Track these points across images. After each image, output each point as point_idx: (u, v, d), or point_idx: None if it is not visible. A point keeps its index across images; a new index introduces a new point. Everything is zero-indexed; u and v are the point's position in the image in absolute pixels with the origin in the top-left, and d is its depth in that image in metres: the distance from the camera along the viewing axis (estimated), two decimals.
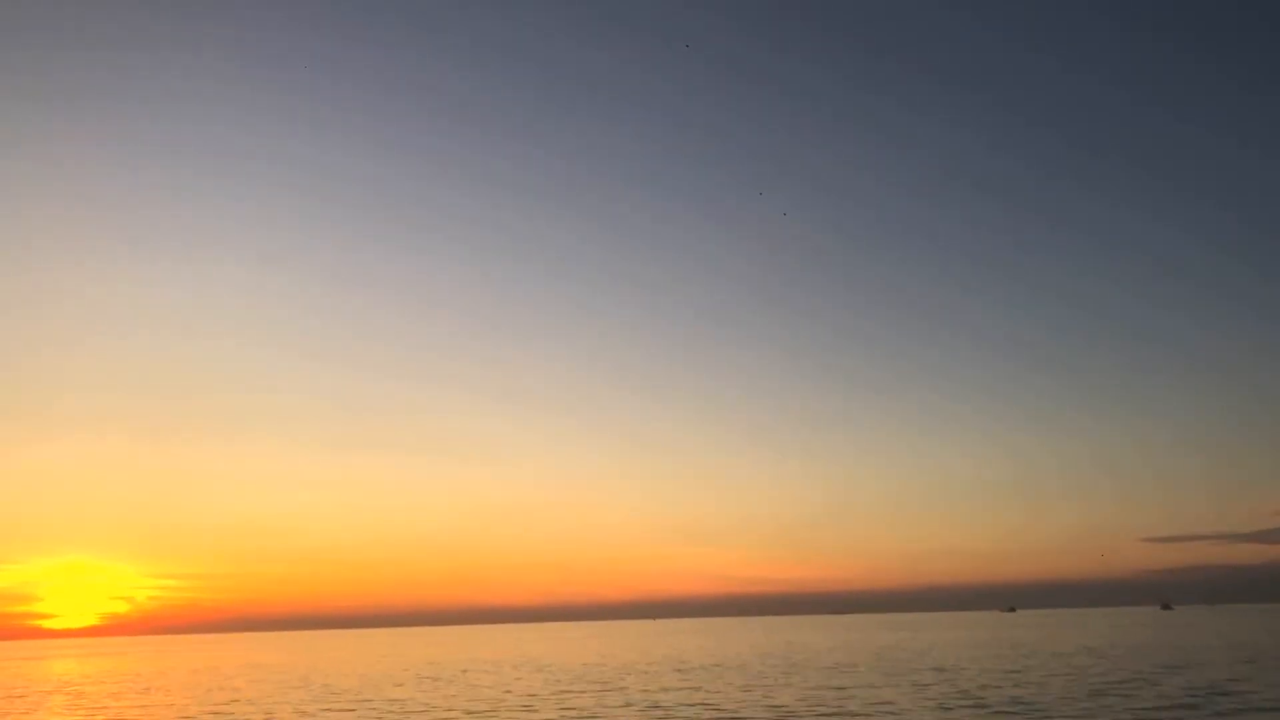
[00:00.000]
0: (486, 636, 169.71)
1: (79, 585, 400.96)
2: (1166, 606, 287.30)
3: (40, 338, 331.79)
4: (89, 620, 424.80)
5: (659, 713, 28.01)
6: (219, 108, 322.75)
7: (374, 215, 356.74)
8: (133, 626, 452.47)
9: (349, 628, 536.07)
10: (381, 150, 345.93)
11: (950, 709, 27.16)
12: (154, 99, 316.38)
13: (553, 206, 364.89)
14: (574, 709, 29.74)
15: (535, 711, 29.43)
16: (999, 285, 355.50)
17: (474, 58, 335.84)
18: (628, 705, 30.51)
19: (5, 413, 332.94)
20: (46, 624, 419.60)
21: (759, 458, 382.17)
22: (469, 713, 29.70)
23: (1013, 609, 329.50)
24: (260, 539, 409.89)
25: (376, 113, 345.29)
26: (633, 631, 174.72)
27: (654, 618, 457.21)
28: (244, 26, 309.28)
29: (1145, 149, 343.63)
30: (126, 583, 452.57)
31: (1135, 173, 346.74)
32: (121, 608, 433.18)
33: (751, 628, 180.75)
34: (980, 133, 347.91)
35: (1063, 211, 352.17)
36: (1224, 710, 25.45)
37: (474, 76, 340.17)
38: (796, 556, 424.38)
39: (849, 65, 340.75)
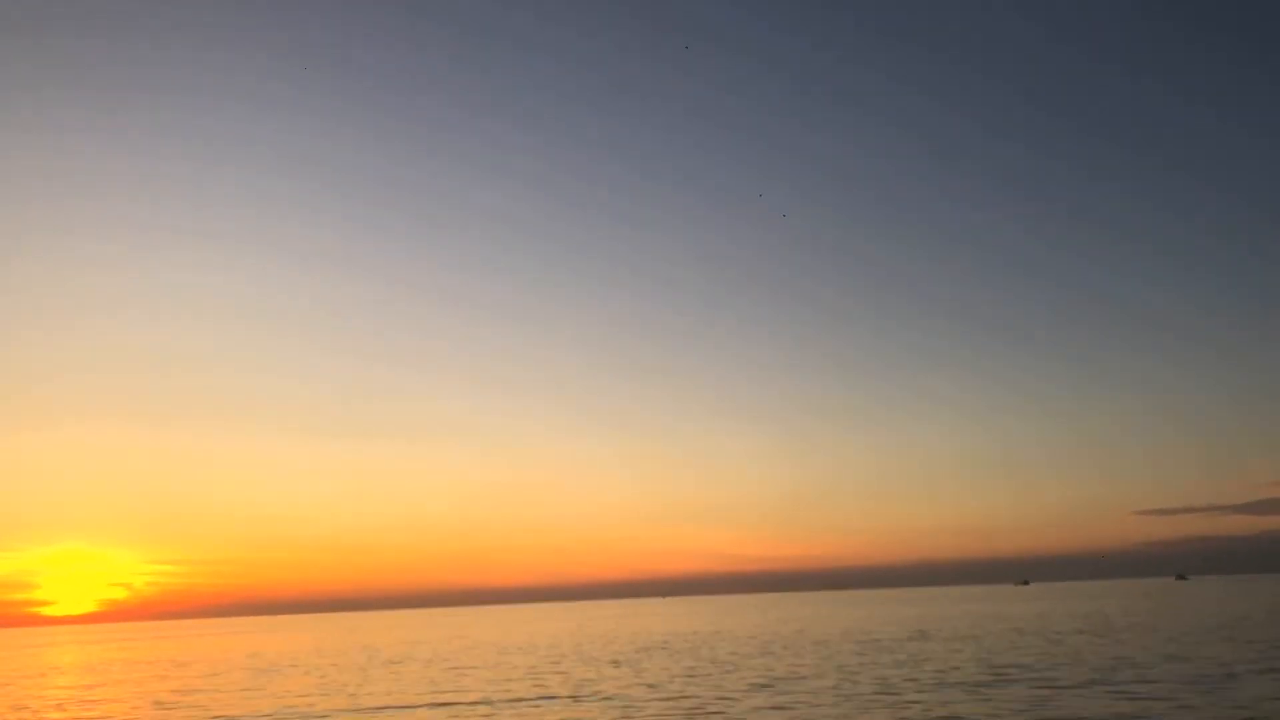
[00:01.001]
0: (517, 617, 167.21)
1: (77, 572, 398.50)
2: (1182, 577, 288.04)
3: (39, 324, 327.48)
4: (87, 607, 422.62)
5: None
6: (220, 97, 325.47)
7: (374, 204, 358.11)
8: (131, 613, 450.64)
9: (349, 610, 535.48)
10: (385, 141, 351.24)
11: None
12: (155, 87, 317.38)
13: (550, 195, 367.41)
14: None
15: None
16: (992, 267, 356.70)
17: (472, 50, 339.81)
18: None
19: (3, 399, 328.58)
20: (45, 611, 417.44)
21: (751, 438, 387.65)
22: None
23: (1026, 582, 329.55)
24: (259, 524, 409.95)
25: (380, 105, 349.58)
26: (660, 609, 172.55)
27: (665, 595, 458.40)
28: (249, 17, 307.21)
29: (1130, 127, 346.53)
30: (125, 569, 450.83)
31: (1121, 151, 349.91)
32: (120, 594, 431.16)
33: (781, 604, 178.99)
34: (970, 113, 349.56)
35: (1049, 191, 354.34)
36: None
37: (474, 69, 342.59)
38: (789, 534, 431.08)
39: (852, 50, 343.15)
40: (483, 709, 23.99)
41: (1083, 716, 18.66)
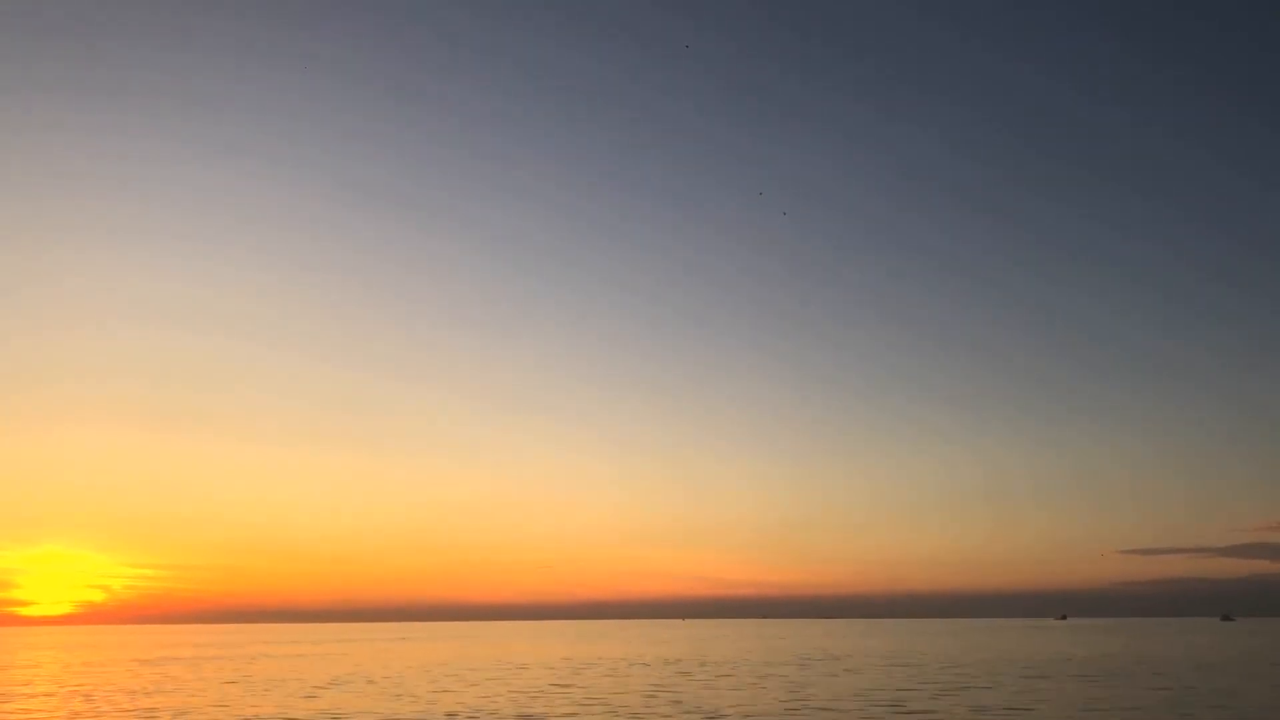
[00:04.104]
0: (496, 634, 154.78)
1: (56, 573, 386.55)
2: (1227, 618, 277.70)
3: (20, 326, 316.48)
4: (65, 608, 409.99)
5: None
6: (222, 104, 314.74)
7: (362, 213, 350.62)
8: (109, 615, 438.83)
9: (327, 621, 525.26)
10: (382, 150, 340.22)
11: None
12: (160, 93, 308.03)
13: (538, 206, 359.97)
14: None
15: None
16: (989, 301, 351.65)
17: (470, 59, 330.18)
18: None
19: None
20: (23, 611, 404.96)
21: (738, 461, 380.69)
22: None
23: (1064, 617, 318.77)
24: (238, 531, 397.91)
25: (374, 113, 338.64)
26: (698, 632, 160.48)
27: (685, 617, 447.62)
28: (249, 22, 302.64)
29: (1125, 163, 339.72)
30: (103, 571, 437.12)
31: (1115, 186, 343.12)
32: (98, 596, 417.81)
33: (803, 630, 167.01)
34: (966, 144, 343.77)
35: (1042, 223, 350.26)
36: None
37: (470, 78, 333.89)
38: (775, 561, 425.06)
39: (836, 75, 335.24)
40: None
41: None
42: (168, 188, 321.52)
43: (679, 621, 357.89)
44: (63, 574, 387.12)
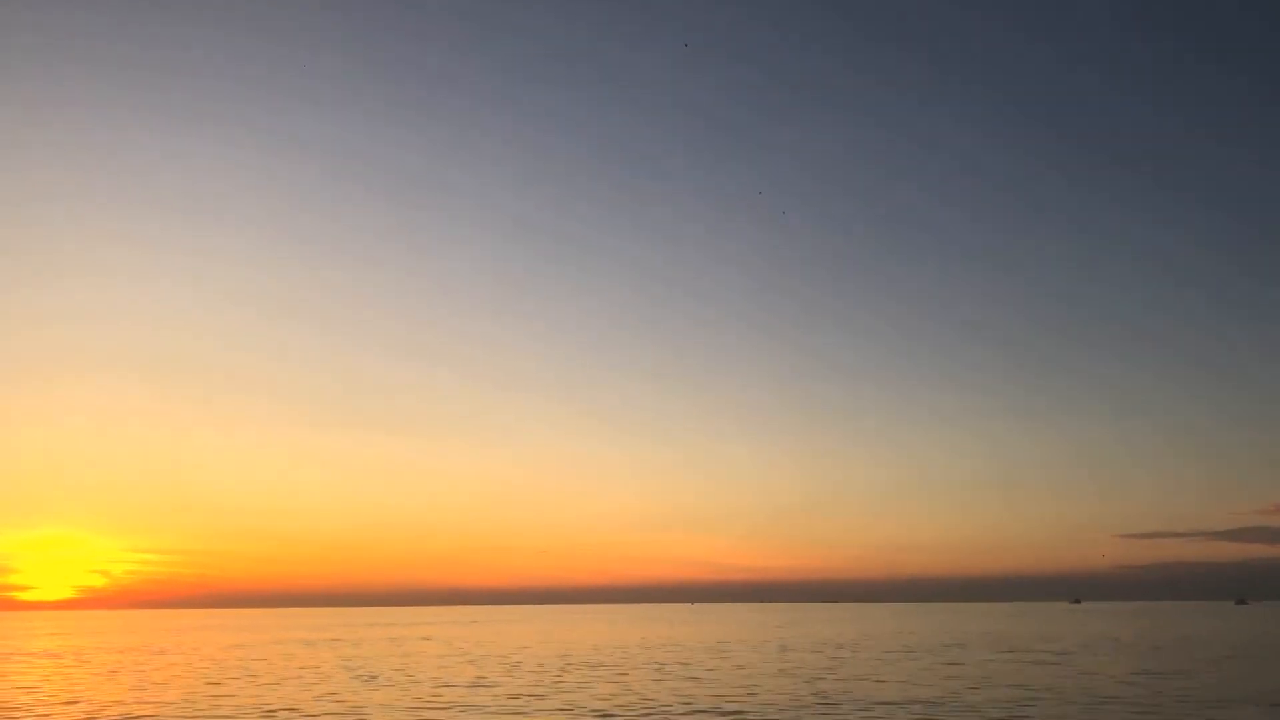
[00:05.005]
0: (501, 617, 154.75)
1: (56, 558, 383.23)
2: (1241, 602, 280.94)
3: (21, 312, 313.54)
4: (65, 593, 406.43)
5: None
6: (218, 80, 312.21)
7: (371, 193, 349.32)
8: (110, 600, 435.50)
9: (331, 606, 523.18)
10: (383, 129, 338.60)
11: None
12: (170, 69, 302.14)
13: (551, 191, 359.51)
14: None
15: None
16: (996, 285, 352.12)
17: (474, 43, 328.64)
18: None
19: None
20: (23, 596, 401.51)
21: (745, 446, 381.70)
22: None
23: (1078, 600, 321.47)
24: (241, 516, 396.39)
25: (379, 92, 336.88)
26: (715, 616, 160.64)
27: (691, 602, 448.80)
28: (253, 5, 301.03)
29: (1137, 149, 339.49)
30: (104, 556, 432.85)
31: (1126, 172, 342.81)
32: (98, 581, 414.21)
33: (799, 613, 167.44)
34: (973, 127, 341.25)
35: (1051, 207, 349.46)
36: None
37: (475, 61, 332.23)
38: (781, 546, 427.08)
39: (850, 56, 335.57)
40: None
41: None
42: (173, 170, 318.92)
43: (687, 606, 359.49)
44: (63, 559, 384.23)
